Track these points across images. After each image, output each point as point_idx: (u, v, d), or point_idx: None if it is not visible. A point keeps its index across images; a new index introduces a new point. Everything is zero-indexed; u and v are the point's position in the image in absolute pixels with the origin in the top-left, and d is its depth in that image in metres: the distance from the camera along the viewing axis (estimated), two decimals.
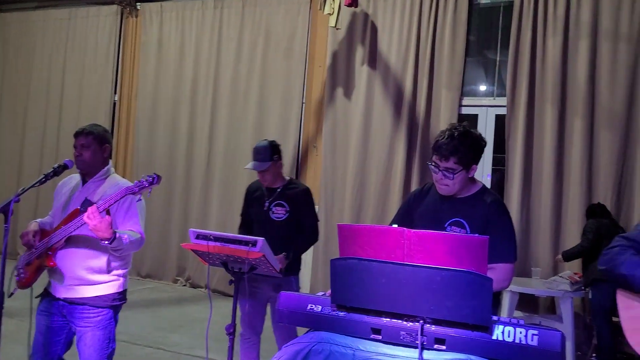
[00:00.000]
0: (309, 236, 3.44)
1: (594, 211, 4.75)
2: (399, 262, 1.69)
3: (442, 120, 5.62)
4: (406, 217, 2.48)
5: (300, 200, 3.37)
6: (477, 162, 2.29)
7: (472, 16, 5.78)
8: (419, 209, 2.44)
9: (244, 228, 3.51)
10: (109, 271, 2.54)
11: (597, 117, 5.12)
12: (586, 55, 5.12)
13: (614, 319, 4.83)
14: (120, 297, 2.60)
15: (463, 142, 2.20)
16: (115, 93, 7.48)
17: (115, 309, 2.60)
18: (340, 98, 6.09)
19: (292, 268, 3.34)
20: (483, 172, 5.74)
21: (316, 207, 6.00)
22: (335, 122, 6.09)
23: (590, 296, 4.55)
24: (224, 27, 6.77)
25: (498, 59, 5.79)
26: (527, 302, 5.17)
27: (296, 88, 6.33)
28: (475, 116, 5.80)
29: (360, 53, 6.01)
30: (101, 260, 2.51)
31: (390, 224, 2.56)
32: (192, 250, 2.70)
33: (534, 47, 5.32)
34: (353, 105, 6.03)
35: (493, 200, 2.31)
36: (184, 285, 6.85)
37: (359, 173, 5.93)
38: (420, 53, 5.77)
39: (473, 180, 2.37)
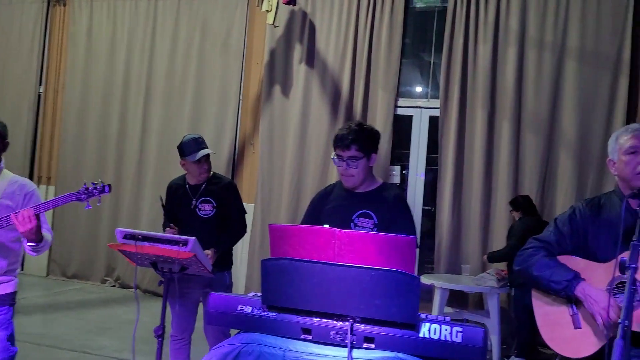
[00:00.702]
0: (238, 229, 3.42)
1: (518, 203, 4.93)
2: (329, 262, 1.70)
3: (379, 121, 5.71)
4: (313, 218, 2.57)
5: (225, 194, 3.34)
6: (376, 152, 2.47)
7: (408, 19, 5.91)
8: (325, 208, 2.51)
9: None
10: (10, 271, 2.47)
11: (524, 120, 5.36)
12: (514, 61, 5.34)
13: None
14: (16, 297, 2.54)
15: (361, 132, 2.40)
16: (40, 84, 7.11)
17: (13, 309, 2.52)
18: (277, 96, 6.06)
19: (223, 263, 3.30)
20: (417, 171, 5.88)
21: (252, 206, 6.00)
22: (272, 120, 6.06)
23: (513, 293, 4.77)
24: (159, 19, 6.57)
25: (432, 61, 5.95)
26: (457, 298, 5.35)
27: (233, 84, 6.25)
28: (410, 117, 5.93)
29: (298, 51, 6.00)
30: (7, 260, 2.44)
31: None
32: (120, 250, 2.61)
33: (465, 52, 5.51)
34: (291, 103, 6.02)
35: (396, 194, 2.50)
36: (113, 286, 6.60)
37: (296, 171, 5.93)
38: (357, 53, 5.84)
39: (374, 177, 2.52)
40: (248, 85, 6.26)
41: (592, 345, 1.90)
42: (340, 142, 2.40)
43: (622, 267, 1.58)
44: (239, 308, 1.79)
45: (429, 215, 5.97)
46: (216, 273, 3.03)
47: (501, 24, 5.41)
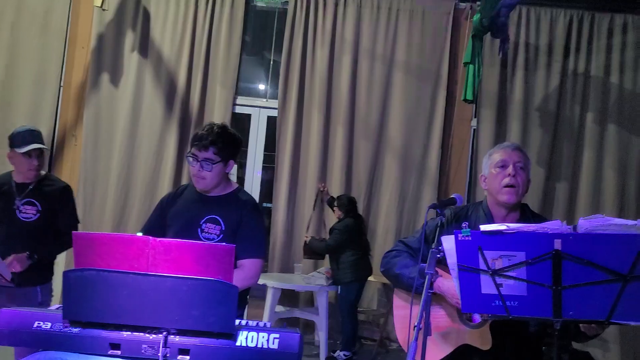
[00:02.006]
0: (64, 242, 3.03)
1: (343, 203, 5.14)
2: (142, 272, 1.59)
3: (216, 117, 5.57)
4: (159, 220, 2.41)
5: (56, 200, 2.98)
6: (234, 158, 2.38)
7: (249, 16, 5.86)
8: (172, 210, 2.38)
9: None
10: None
11: (356, 126, 5.63)
12: (348, 69, 5.59)
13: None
14: None
15: (223, 135, 2.30)
16: None
17: None
18: (105, 84, 5.59)
19: (35, 276, 2.93)
20: (254, 169, 5.86)
21: None
22: (98, 110, 5.57)
23: (339, 291, 4.98)
24: None
25: (272, 61, 5.97)
26: (289, 297, 5.43)
27: (53, 69, 5.59)
28: (249, 116, 5.89)
29: (130, 38, 5.60)
30: None
31: (142, 229, 2.43)
32: None
33: (304, 55, 5.62)
34: (120, 93, 5.59)
35: (247, 199, 2.41)
36: None
37: (124, 167, 5.53)
38: (195, 46, 5.63)
39: (229, 180, 2.43)
40: (71, 71, 5.66)
41: (441, 351, 2.00)
42: (198, 142, 2.26)
43: (422, 274, 1.68)
44: (35, 324, 1.60)
45: (267, 213, 5.99)
46: (24, 287, 2.67)
47: (337, 32, 5.62)
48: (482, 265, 1.53)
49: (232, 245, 1.65)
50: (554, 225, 1.45)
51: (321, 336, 4.91)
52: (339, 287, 4.94)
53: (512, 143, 2.18)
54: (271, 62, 5.97)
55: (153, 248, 1.63)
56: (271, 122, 5.84)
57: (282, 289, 4.89)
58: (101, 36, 5.56)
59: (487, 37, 5.10)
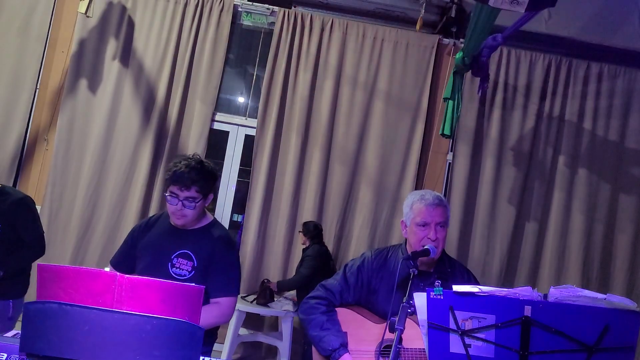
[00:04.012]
0: (32, 254, 2.96)
1: (309, 230, 5.13)
2: (106, 308, 1.54)
3: (194, 132, 5.53)
4: (129, 252, 2.34)
5: (12, 214, 2.88)
6: (213, 191, 2.33)
7: (234, 34, 5.85)
8: (142, 242, 2.32)
9: None
10: None
11: (333, 151, 5.63)
12: (330, 94, 5.60)
13: None
14: None
15: (202, 171, 2.25)
16: None
17: None
18: (83, 90, 5.48)
19: (12, 290, 2.84)
20: (229, 184, 5.81)
21: (38, 208, 5.32)
22: (73, 116, 5.46)
23: None
24: None
25: (253, 81, 5.96)
26: (253, 320, 5.36)
27: (30, 70, 5.46)
28: (227, 133, 5.85)
29: (112, 46, 5.52)
30: None
31: (112, 261, 2.37)
32: None
33: (287, 77, 5.62)
34: (97, 100, 5.50)
35: (220, 234, 2.35)
36: None
37: (95, 176, 5.41)
38: (178, 60, 5.58)
39: (205, 213, 2.38)
40: (49, 74, 5.55)
41: None
42: (179, 181, 2.19)
43: (392, 327, 1.69)
44: None
45: (238, 227, 5.93)
46: None
47: (321, 57, 5.65)
48: (452, 325, 1.53)
49: (202, 287, 1.62)
50: (525, 291, 1.47)
51: None
52: None
53: (434, 197, 2.15)
54: (254, 78, 5.96)
55: (120, 284, 1.59)
56: (248, 140, 5.81)
57: (246, 312, 4.82)
58: (82, 41, 5.47)
59: (468, 74, 5.19)
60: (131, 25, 5.55)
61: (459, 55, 4.82)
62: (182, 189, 2.20)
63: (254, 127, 5.66)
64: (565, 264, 5.54)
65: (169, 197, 2.23)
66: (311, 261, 4.89)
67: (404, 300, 1.70)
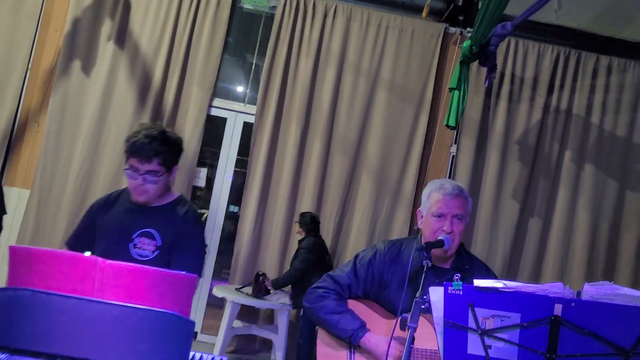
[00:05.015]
0: None
1: (305, 221, 4.97)
2: (86, 297, 1.38)
3: (190, 117, 5.35)
4: (88, 231, 2.15)
5: None
6: (177, 163, 2.14)
7: (234, 18, 5.66)
8: (101, 221, 2.13)
9: None
10: None
11: (334, 140, 5.46)
12: (332, 82, 5.43)
13: None
14: None
15: (165, 142, 2.05)
16: None
17: None
18: (76, 72, 5.30)
19: None
20: (225, 173, 5.64)
21: (28, 192, 5.15)
22: (66, 98, 5.27)
23: (302, 312, 4.78)
24: None
25: (253, 66, 5.78)
26: (248, 312, 5.21)
27: (22, 50, 5.27)
28: (224, 119, 5.67)
29: (107, 27, 5.33)
30: None
31: (68, 240, 2.19)
32: None
33: (287, 64, 5.44)
34: (91, 82, 5.31)
35: (187, 210, 2.16)
36: None
37: (87, 160, 5.23)
38: (175, 42, 5.40)
39: (169, 189, 2.19)
40: (41, 54, 5.35)
41: None
42: (139, 153, 1.98)
43: (403, 325, 1.53)
44: None
45: (235, 218, 5.76)
46: None
47: (324, 43, 5.47)
48: (472, 324, 1.38)
49: (194, 276, 1.46)
50: (556, 288, 1.31)
51: (278, 356, 4.71)
52: (303, 308, 4.74)
53: (454, 187, 2.02)
54: (253, 66, 5.78)
55: (101, 270, 1.42)
56: (247, 128, 5.64)
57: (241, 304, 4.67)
58: (77, 21, 5.28)
59: (474, 65, 5.03)
60: (127, 5, 5.36)
61: (466, 43, 4.66)
62: (142, 161, 2.00)
63: (253, 114, 5.48)
64: (569, 262, 5.41)
65: (128, 172, 2.04)
66: (306, 254, 4.74)
67: (417, 295, 1.54)
